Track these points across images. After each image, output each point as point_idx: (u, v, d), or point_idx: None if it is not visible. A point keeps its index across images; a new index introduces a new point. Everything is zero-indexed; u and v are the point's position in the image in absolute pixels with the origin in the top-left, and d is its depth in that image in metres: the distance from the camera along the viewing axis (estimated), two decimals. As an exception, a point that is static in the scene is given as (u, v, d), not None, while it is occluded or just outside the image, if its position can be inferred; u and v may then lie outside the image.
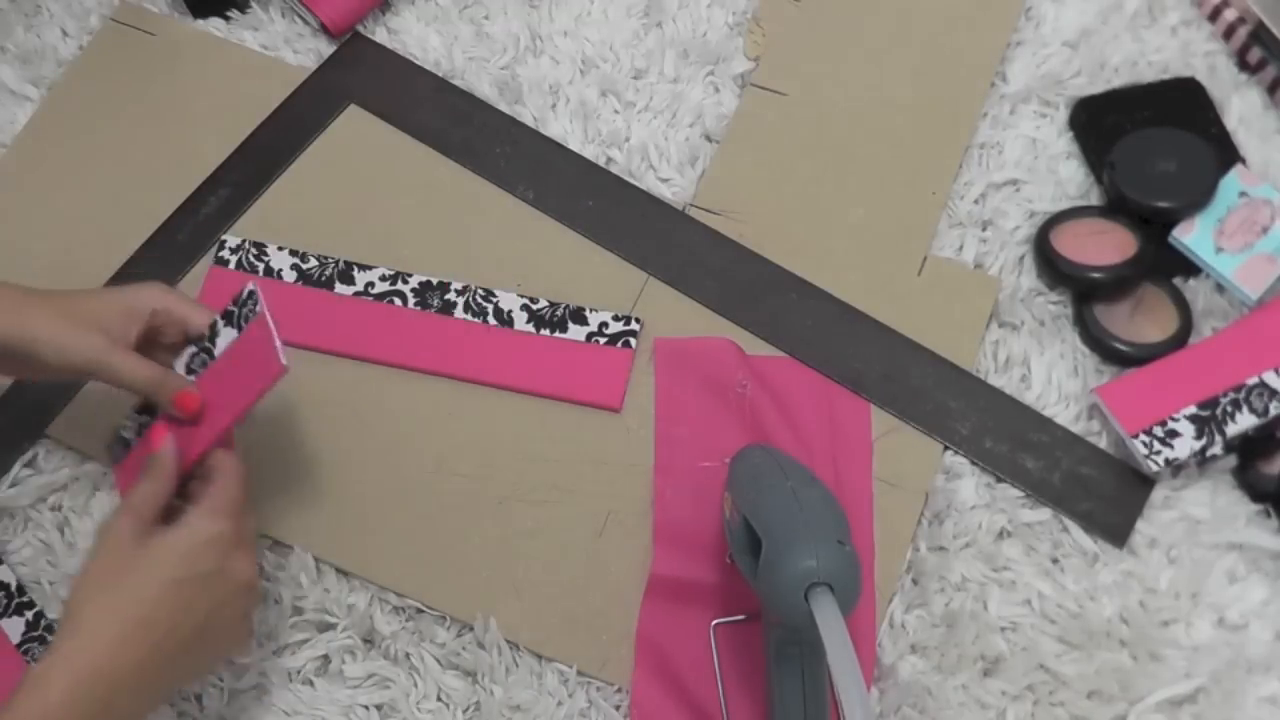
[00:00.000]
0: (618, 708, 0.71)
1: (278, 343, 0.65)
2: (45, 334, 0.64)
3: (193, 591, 0.60)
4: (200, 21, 0.95)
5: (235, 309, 0.68)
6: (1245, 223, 0.82)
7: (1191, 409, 0.75)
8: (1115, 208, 0.84)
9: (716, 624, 0.71)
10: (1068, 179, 0.87)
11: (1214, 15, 0.91)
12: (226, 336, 0.68)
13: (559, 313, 0.82)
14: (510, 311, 0.82)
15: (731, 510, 0.65)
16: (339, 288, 0.83)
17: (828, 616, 0.54)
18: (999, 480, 0.77)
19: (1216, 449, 0.74)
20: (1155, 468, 0.74)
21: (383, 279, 0.83)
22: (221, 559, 0.62)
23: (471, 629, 0.73)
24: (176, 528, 0.61)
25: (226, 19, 0.95)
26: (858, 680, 0.51)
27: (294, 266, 0.83)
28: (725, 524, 0.67)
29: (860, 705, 0.50)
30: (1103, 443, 0.78)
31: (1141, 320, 0.81)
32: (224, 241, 0.84)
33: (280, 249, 0.84)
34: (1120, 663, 0.71)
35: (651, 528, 0.75)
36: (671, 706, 0.70)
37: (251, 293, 0.67)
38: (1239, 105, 0.88)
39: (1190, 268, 0.83)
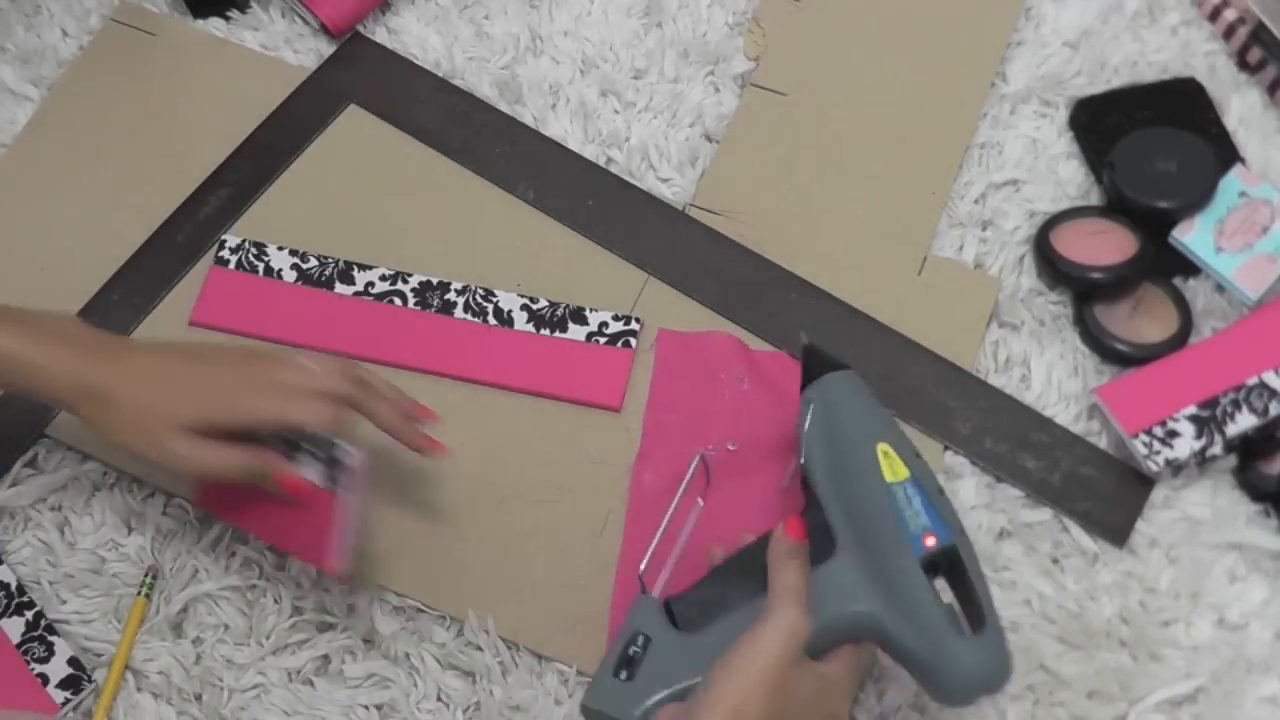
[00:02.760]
0: (618, 708, 0.71)
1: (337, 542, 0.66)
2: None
3: None
4: (200, 21, 0.95)
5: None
6: (1245, 223, 0.82)
7: (1191, 409, 0.75)
8: (1115, 208, 0.84)
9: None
10: (1068, 179, 0.87)
11: (1214, 15, 0.91)
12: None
13: (559, 312, 0.82)
14: (510, 311, 0.82)
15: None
16: (339, 288, 0.83)
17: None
18: (999, 480, 0.77)
19: (1216, 449, 0.74)
20: (1155, 468, 0.74)
21: (383, 279, 0.83)
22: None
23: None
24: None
25: (226, 19, 0.95)
26: None
27: (294, 266, 0.83)
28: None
29: None
30: (1103, 443, 0.78)
31: (1141, 320, 0.81)
32: (224, 241, 0.84)
33: (280, 249, 0.84)
34: (1120, 663, 0.71)
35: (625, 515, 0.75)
36: None
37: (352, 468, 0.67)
38: (1239, 105, 0.88)
39: (1190, 268, 0.83)
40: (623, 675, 0.61)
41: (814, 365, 0.68)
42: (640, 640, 0.61)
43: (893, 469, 0.62)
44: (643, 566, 0.65)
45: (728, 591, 0.62)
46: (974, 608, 0.59)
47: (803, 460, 0.65)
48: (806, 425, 0.65)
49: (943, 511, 0.60)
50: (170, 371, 0.65)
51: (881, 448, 0.62)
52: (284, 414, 0.65)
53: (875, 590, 0.59)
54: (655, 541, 0.67)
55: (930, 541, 0.59)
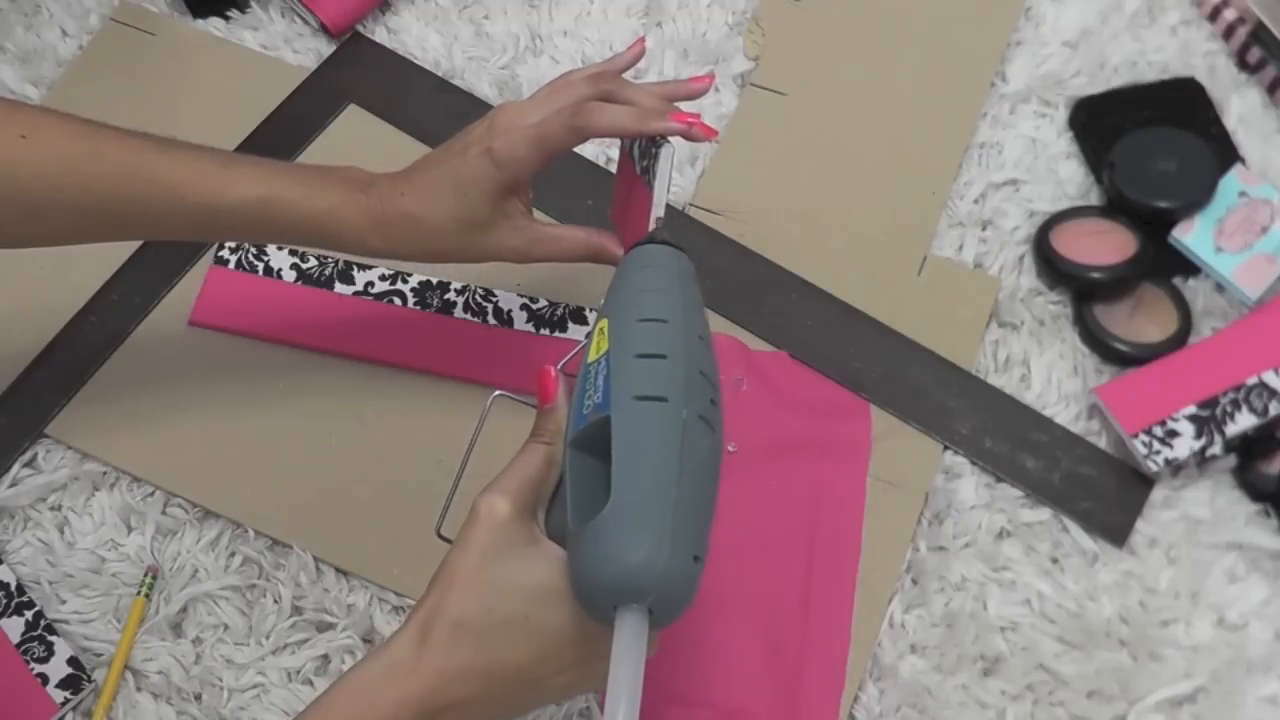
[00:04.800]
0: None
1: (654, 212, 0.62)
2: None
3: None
4: (200, 21, 0.95)
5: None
6: (1245, 222, 0.82)
7: (1191, 409, 0.75)
8: (1115, 208, 0.84)
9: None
10: (1068, 179, 0.87)
11: (1214, 15, 0.91)
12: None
13: (559, 313, 0.82)
14: (510, 311, 0.82)
15: (598, 359, 0.52)
16: (339, 287, 0.83)
17: (628, 643, 0.45)
18: (999, 480, 0.77)
19: (1216, 449, 0.74)
20: (1155, 468, 0.74)
21: (382, 278, 0.83)
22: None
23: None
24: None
25: (226, 19, 0.95)
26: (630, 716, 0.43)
27: (294, 266, 0.83)
28: (580, 374, 0.54)
29: None
30: (1103, 443, 0.78)
31: (1141, 320, 0.81)
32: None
33: (280, 248, 0.84)
34: (1120, 663, 0.71)
35: None
36: None
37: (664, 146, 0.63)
38: (1239, 105, 0.88)
39: (1190, 268, 0.83)
40: None
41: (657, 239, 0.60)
42: None
43: (598, 346, 0.53)
44: None
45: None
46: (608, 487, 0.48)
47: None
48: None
49: (625, 381, 0.50)
50: (444, 168, 0.65)
51: (600, 324, 0.54)
52: (572, 130, 0.63)
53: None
54: None
55: (591, 416, 0.50)
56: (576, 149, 0.87)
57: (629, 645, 0.45)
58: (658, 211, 0.62)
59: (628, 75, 0.67)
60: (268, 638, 0.73)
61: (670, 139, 0.63)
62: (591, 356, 0.53)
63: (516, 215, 0.67)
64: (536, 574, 0.50)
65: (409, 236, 0.66)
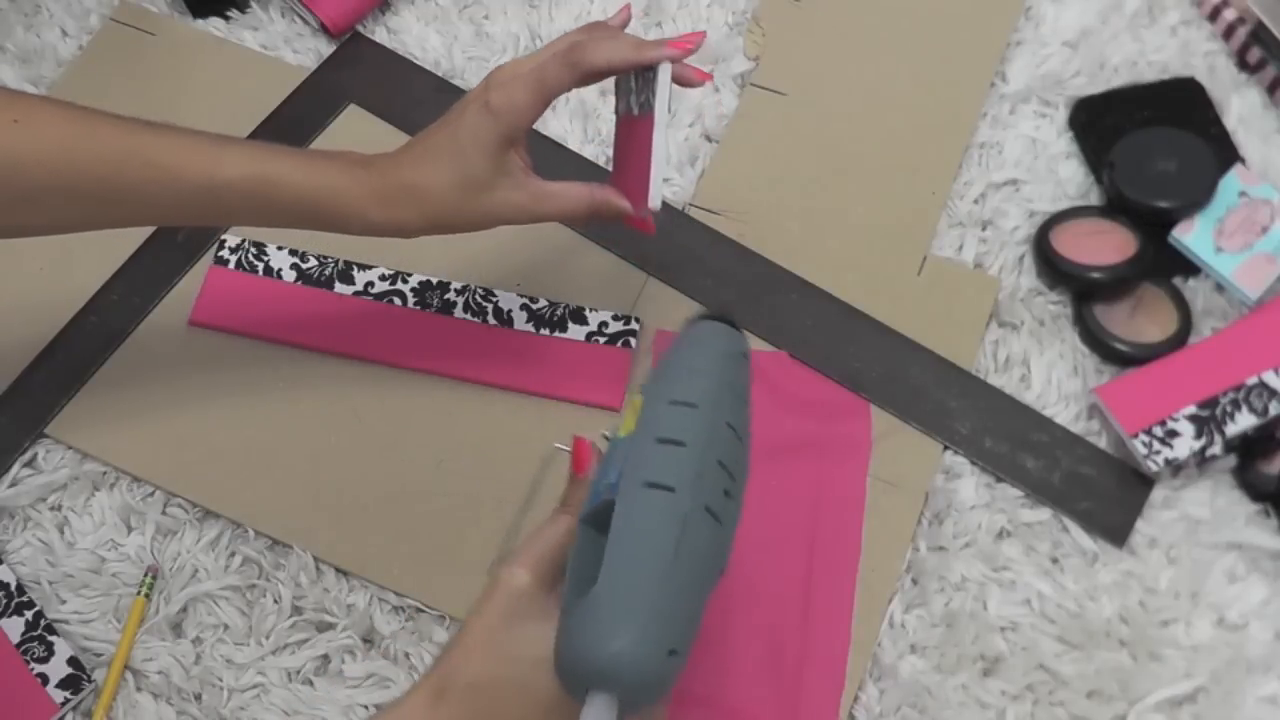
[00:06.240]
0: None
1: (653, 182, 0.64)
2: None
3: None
4: (200, 21, 0.95)
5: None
6: (1245, 222, 0.82)
7: (1191, 409, 0.75)
8: (1115, 208, 0.84)
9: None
10: (1067, 179, 0.87)
11: (1214, 15, 0.91)
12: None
13: (559, 312, 0.82)
14: (510, 311, 0.82)
15: (628, 441, 0.52)
16: (339, 287, 0.83)
17: None
18: (999, 480, 0.77)
19: (1216, 449, 0.74)
20: (1155, 467, 0.74)
21: (382, 278, 0.83)
22: None
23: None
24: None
25: (226, 19, 0.95)
26: None
27: (294, 266, 0.83)
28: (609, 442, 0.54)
29: None
30: (1103, 443, 0.78)
31: (1141, 320, 0.81)
32: (223, 241, 0.84)
33: (280, 248, 0.84)
34: (1120, 662, 0.71)
35: None
36: None
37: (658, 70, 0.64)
38: (1239, 105, 0.88)
39: (1190, 268, 0.83)
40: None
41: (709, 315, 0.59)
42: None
43: (627, 424, 0.53)
44: None
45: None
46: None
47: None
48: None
49: (639, 465, 0.50)
50: (442, 133, 0.66)
51: (634, 400, 0.54)
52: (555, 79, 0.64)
53: None
54: None
55: (603, 495, 0.51)
56: (576, 149, 0.89)
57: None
58: (660, 137, 0.63)
59: None
60: (268, 638, 0.73)
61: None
62: (620, 433, 0.53)
63: (517, 172, 0.67)
64: (545, 645, 0.51)
65: (410, 206, 0.66)
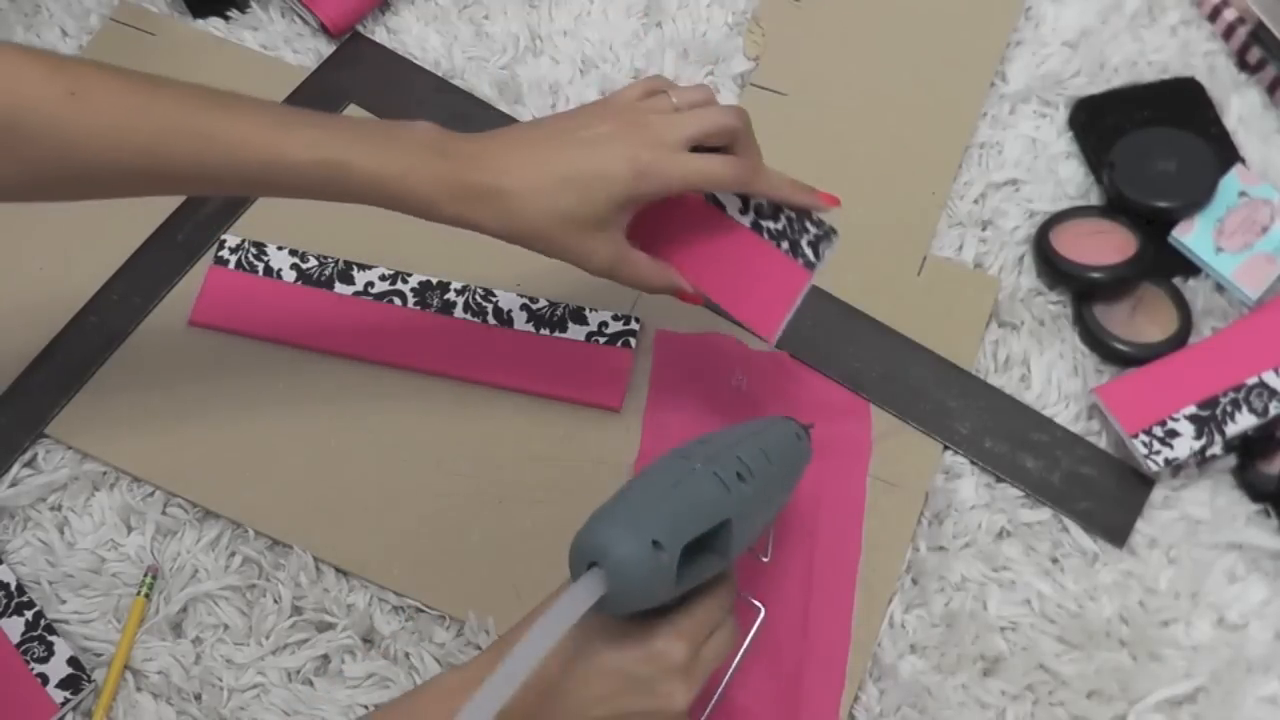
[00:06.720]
0: (617, 707, 0.71)
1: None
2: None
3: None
4: (200, 21, 0.95)
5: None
6: (1245, 222, 0.82)
7: (1191, 409, 0.75)
8: (1115, 208, 0.84)
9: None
10: (1067, 179, 0.87)
11: (1214, 15, 0.91)
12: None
13: (559, 312, 0.82)
14: (510, 311, 0.82)
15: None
16: (339, 287, 0.83)
17: (571, 602, 0.50)
18: (999, 480, 0.77)
19: (1216, 449, 0.74)
20: (1155, 468, 0.74)
21: (382, 279, 0.83)
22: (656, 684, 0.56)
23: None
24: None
25: (226, 19, 0.95)
26: (519, 674, 0.47)
27: (294, 266, 0.83)
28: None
29: (489, 699, 0.46)
30: (1103, 443, 0.78)
31: (1141, 320, 0.81)
32: (224, 241, 0.84)
33: (280, 249, 0.84)
34: (1120, 663, 0.71)
35: None
36: None
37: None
38: (1239, 105, 0.88)
39: (1190, 268, 0.83)
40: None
41: None
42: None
43: None
44: None
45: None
46: None
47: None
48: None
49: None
50: (562, 155, 0.62)
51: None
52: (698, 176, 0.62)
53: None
54: None
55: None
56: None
57: (576, 599, 0.50)
58: (804, 289, 0.68)
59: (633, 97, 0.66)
60: (268, 638, 0.73)
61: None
62: None
63: (617, 230, 0.63)
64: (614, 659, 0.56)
65: (493, 213, 0.62)
